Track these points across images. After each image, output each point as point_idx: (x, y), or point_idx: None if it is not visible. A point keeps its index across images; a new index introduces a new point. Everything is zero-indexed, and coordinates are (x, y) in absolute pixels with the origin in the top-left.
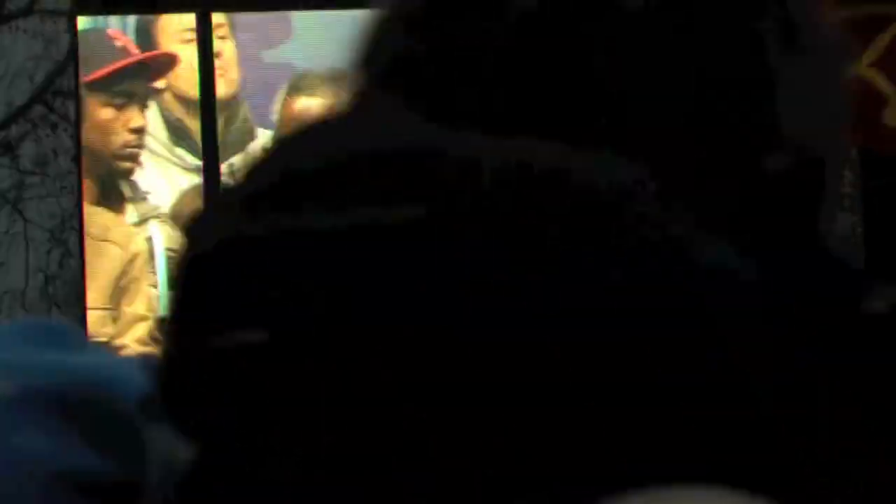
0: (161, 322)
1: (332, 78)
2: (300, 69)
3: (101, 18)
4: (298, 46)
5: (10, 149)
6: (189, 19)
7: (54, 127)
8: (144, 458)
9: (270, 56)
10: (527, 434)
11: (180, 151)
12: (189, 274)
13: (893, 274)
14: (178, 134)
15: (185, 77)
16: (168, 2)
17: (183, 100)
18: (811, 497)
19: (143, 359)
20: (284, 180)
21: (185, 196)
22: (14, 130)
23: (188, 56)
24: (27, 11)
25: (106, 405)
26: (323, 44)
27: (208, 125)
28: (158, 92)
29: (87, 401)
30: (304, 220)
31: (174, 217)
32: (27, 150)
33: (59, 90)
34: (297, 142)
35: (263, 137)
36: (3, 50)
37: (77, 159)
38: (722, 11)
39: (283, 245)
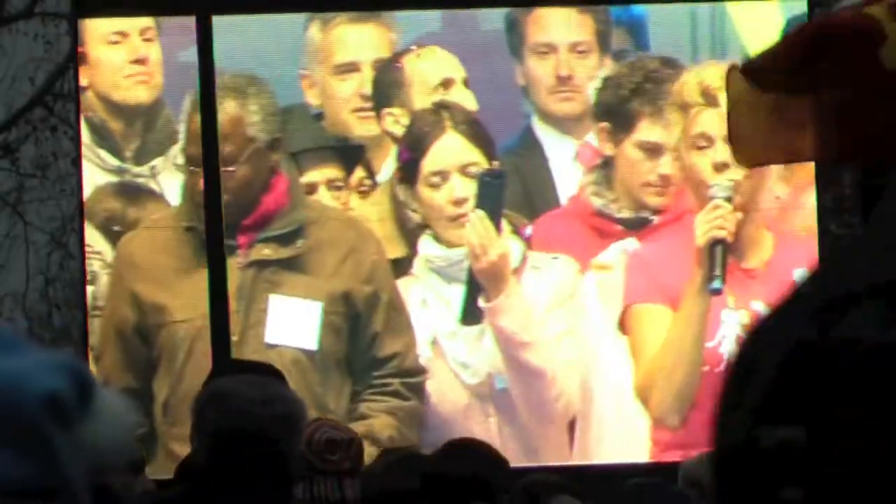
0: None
1: (250, 82)
2: (220, 72)
3: None
4: (221, 49)
5: (10, 151)
6: (115, 23)
7: (54, 129)
8: (56, 461)
9: (190, 58)
10: None
11: (102, 152)
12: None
13: (894, 274)
14: (100, 134)
15: (109, 79)
16: (167, 4)
17: (106, 101)
18: None
19: (58, 359)
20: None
21: (98, 193)
22: (14, 133)
23: (112, 58)
24: (28, 14)
25: (8, 410)
26: (243, 47)
27: (208, 125)
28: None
29: None
30: None
31: (89, 215)
32: (27, 152)
33: (60, 93)
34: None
35: (182, 140)
36: (4, 52)
37: (77, 162)
38: None
39: None
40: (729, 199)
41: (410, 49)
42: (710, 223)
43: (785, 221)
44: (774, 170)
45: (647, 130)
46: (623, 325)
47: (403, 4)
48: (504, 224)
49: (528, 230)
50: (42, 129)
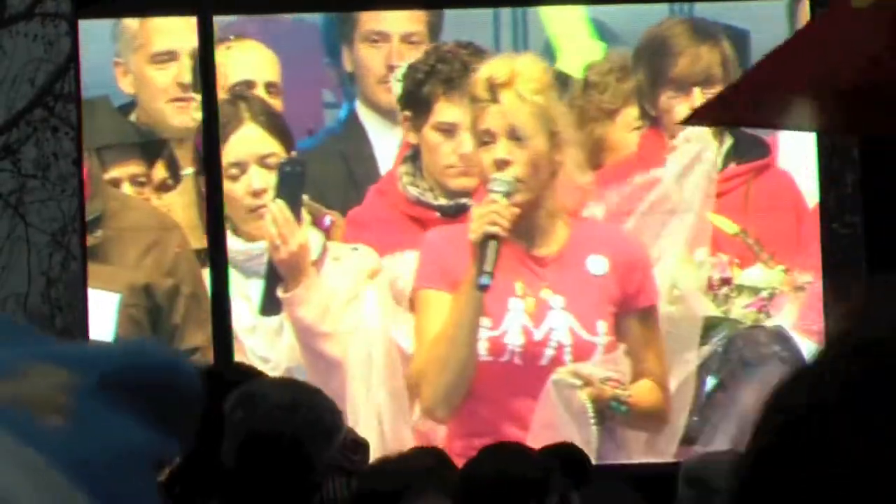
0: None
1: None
2: None
3: None
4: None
5: (11, 152)
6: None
7: (55, 130)
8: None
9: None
10: None
11: None
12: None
13: (893, 274)
14: None
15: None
16: (168, 4)
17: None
18: None
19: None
20: None
21: None
22: (15, 134)
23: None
24: (28, 15)
25: (170, 386)
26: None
27: (210, 126)
28: None
29: (153, 384)
30: None
31: None
32: (28, 153)
33: (61, 94)
34: None
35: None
36: (4, 53)
37: (78, 163)
38: None
39: None
40: (508, 195)
41: (228, 39)
42: (483, 218)
43: (581, 210)
44: (572, 158)
45: (442, 112)
46: (412, 310)
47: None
48: (304, 215)
49: (328, 220)
50: (43, 130)
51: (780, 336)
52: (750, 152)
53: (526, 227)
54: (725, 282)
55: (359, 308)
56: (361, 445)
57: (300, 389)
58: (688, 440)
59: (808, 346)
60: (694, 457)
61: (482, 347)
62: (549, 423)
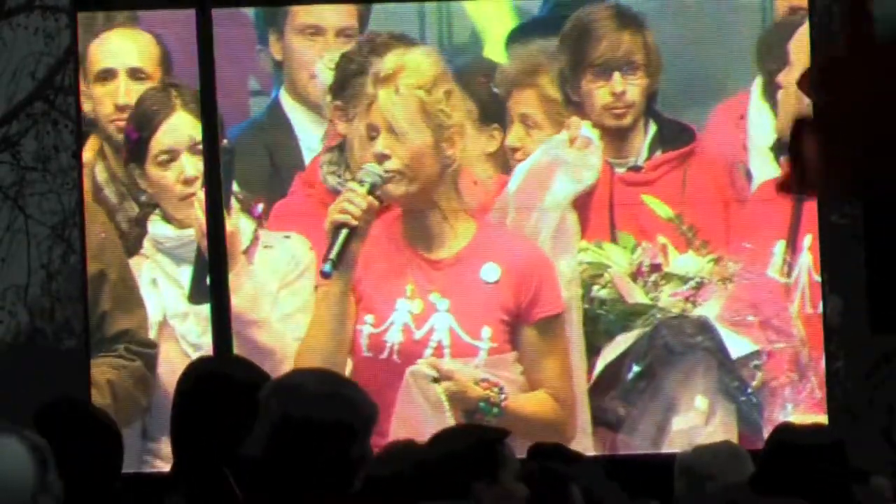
0: None
1: None
2: None
3: None
4: None
5: (11, 145)
6: None
7: (55, 123)
8: None
9: None
10: None
11: None
12: None
13: (894, 273)
14: None
15: None
16: None
17: None
18: None
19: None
20: None
21: None
22: (15, 126)
23: None
24: (28, 8)
25: None
26: None
27: (210, 120)
28: None
29: None
30: None
31: None
32: (28, 146)
33: (61, 86)
34: None
35: None
36: (4, 46)
37: (78, 155)
38: None
39: None
40: (373, 186)
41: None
42: (337, 205)
43: (485, 212)
44: (470, 153)
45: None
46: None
47: None
48: (234, 203)
49: (260, 208)
50: (43, 123)
51: (705, 326)
52: (676, 139)
53: (420, 229)
54: (655, 268)
55: (289, 296)
56: None
57: (336, 380)
58: (611, 426)
59: (733, 338)
60: (690, 448)
61: (363, 344)
62: (407, 416)
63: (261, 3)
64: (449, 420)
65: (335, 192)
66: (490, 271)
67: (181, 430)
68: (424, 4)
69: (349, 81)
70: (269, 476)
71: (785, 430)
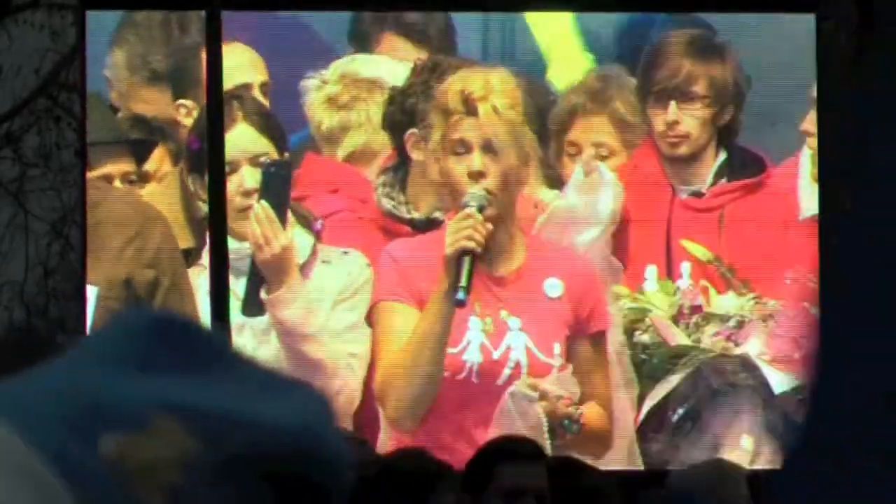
0: None
1: None
2: None
3: None
4: None
5: (13, 140)
6: None
7: (58, 120)
8: None
9: None
10: None
11: None
12: None
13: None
14: None
15: None
16: None
17: None
18: None
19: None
20: None
21: None
22: (17, 122)
23: None
24: (34, 4)
25: (304, 479)
26: None
27: (215, 124)
28: None
29: (287, 475)
30: None
31: None
32: (30, 142)
33: (65, 83)
34: None
35: None
36: (10, 42)
37: (80, 153)
38: None
39: None
40: (482, 209)
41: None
42: (458, 232)
43: (540, 229)
44: (532, 174)
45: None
46: (370, 322)
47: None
48: (291, 216)
49: (319, 223)
50: (46, 120)
51: (747, 365)
52: (744, 168)
53: (488, 245)
54: (696, 310)
55: (344, 312)
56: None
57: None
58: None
59: (776, 376)
60: (677, 469)
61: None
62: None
63: (270, 6)
64: (547, 441)
65: (388, 215)
66: (553, 287)
67: None
68: (488, 22)
69: (416, 108)
70: None
71: None
